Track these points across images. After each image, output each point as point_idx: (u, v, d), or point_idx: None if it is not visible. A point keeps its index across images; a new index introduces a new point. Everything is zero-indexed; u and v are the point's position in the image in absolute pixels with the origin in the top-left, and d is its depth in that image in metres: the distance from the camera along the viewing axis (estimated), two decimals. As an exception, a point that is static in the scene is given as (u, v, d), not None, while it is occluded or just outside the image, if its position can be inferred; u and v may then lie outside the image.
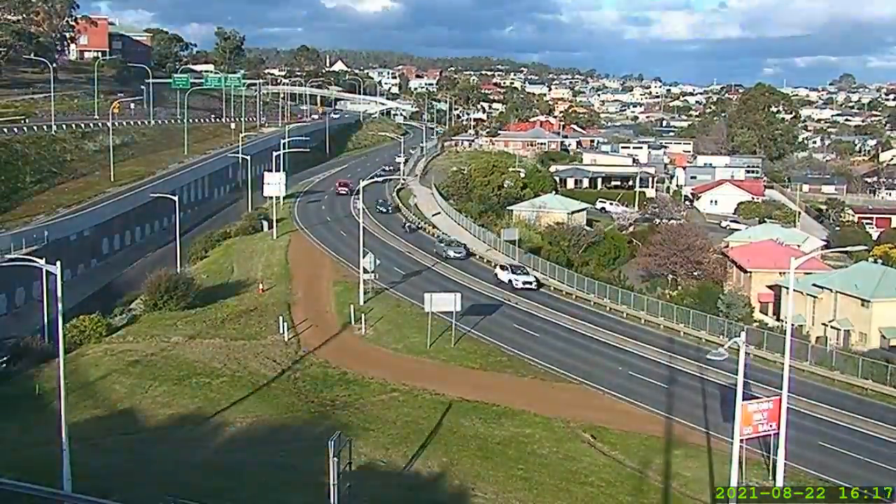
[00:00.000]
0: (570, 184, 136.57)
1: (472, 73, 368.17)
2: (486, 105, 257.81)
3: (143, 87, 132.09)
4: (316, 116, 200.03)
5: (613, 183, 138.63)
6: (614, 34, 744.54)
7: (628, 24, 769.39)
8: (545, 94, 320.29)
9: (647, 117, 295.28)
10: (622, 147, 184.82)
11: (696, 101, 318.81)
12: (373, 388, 44.69)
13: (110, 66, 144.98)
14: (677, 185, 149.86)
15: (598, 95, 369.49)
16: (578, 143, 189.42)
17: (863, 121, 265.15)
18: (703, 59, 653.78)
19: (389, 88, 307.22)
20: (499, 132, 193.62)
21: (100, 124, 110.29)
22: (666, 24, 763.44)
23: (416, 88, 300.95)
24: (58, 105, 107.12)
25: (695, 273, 78.73)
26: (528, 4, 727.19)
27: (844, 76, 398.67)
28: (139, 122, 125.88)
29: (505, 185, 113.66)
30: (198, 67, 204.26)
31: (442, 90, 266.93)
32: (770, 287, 71.66)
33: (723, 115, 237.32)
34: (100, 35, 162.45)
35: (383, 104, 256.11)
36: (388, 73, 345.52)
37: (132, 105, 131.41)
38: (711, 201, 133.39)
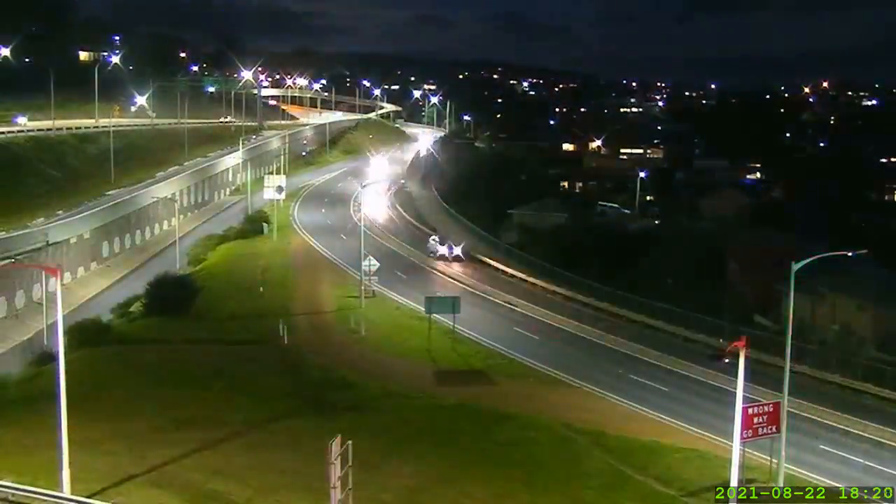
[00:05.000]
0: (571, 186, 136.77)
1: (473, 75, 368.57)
2: (485, 108, 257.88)
3: (143, 90, 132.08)
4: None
5: (614, 185, 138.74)
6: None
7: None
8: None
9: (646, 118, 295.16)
10: (621, 150, 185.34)
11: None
12: (373, 391, 44.64)
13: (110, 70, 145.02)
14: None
15: (598, 99, 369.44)
16: (578, 145, 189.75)
17: None
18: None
19: (389, 88, 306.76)
20: (499, 135, 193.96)
21: (100, 127, 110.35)
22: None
23: (416, 92, 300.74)
24: (57, 109, 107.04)
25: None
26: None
27: None
28: (140, 125, 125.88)
29: (505, 189, 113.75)
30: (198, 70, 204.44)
31: (441, 89, 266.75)
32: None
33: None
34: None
35: (383, 107, 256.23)
36: (389, 76, 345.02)
37: (133, 108, 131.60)
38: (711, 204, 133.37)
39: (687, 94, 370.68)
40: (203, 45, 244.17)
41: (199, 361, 48.63)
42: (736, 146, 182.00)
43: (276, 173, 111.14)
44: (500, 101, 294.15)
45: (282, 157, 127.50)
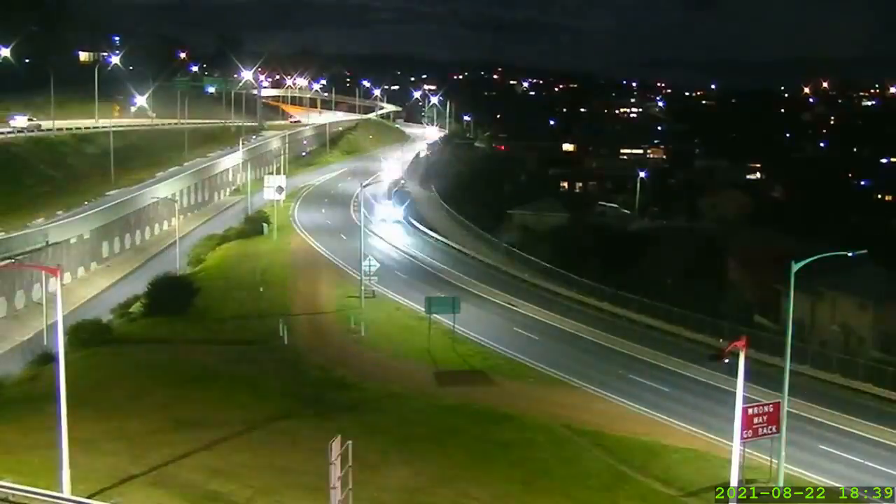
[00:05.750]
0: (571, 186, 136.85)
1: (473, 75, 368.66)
2: (485, 108, 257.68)
3: (143, 90, 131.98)
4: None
5: (614, 185, 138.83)
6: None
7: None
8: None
9: (646, 119, 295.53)
10: (621, 150, 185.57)
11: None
12: (372, 391, 44.66)
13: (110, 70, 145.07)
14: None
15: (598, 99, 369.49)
16: (578, 145, 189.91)
17: None
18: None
19: (389, 88, 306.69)
20: (499, 135, 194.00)
21: (100, 127, 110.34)
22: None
23: (416, 92, 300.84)
24: (57, 109, 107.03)
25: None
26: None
27: None
28: (139, 125, 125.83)
29: (505, 189, 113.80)
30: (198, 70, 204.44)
31: (441, 89, 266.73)
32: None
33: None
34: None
35: (382, 107, 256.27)
36: (389, 76, 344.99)
37: (132, 108, 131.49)
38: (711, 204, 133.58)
39: (687, 94, 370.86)
40: (203, 45, 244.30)
41: (199, 361, 48.60)
42: (736, 146, 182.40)
43: (276, 173, 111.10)
44: (500, 101, 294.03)
45: (282, 157, 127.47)
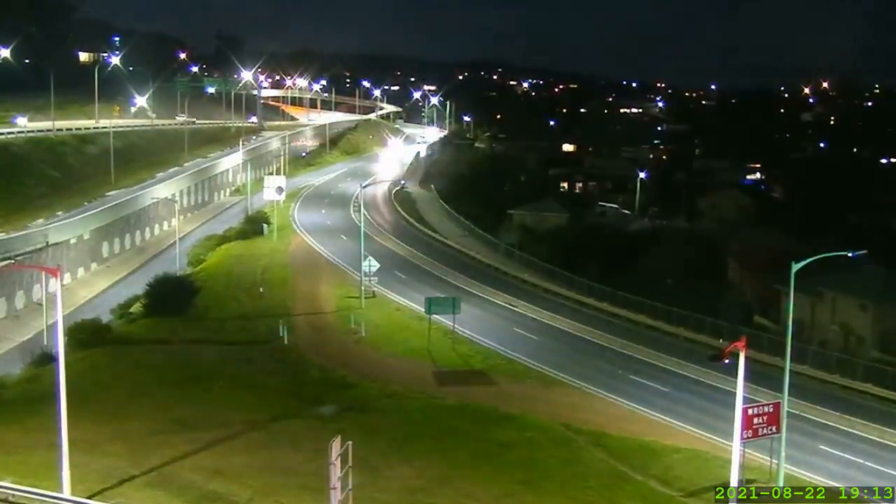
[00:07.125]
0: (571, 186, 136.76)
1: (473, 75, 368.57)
2: (485, 109, 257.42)
3: (143, 90, 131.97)
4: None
5: (614, 185, 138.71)
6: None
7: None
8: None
9: (646, 119, 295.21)
10: (621, 149, 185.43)
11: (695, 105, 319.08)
12: (372, 391, 44.67)
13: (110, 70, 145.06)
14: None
15: (598, 99, 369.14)
16: (578, 145, 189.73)
17: None
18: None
19: (389, 89, 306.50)
20: (499, 135, 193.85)
21: (100, 127, 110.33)
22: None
23: (416, 92, 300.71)
24: (57, 110, 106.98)
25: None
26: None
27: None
28: (139, 126, 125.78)
29: (505, 189, 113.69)
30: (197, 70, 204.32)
31: (441, 89, 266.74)
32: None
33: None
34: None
35: (382, 108, 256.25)
36: (389, 76, 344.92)
37: (133, 108, 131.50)
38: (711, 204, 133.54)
39: (687, 94, 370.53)
40: (203, 46, 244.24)
41: (199, 361, 48.63)
42: (736, 146, 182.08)
43: (276, 174, 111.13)
44: (500, 101, 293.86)
45: (282, 157, 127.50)
